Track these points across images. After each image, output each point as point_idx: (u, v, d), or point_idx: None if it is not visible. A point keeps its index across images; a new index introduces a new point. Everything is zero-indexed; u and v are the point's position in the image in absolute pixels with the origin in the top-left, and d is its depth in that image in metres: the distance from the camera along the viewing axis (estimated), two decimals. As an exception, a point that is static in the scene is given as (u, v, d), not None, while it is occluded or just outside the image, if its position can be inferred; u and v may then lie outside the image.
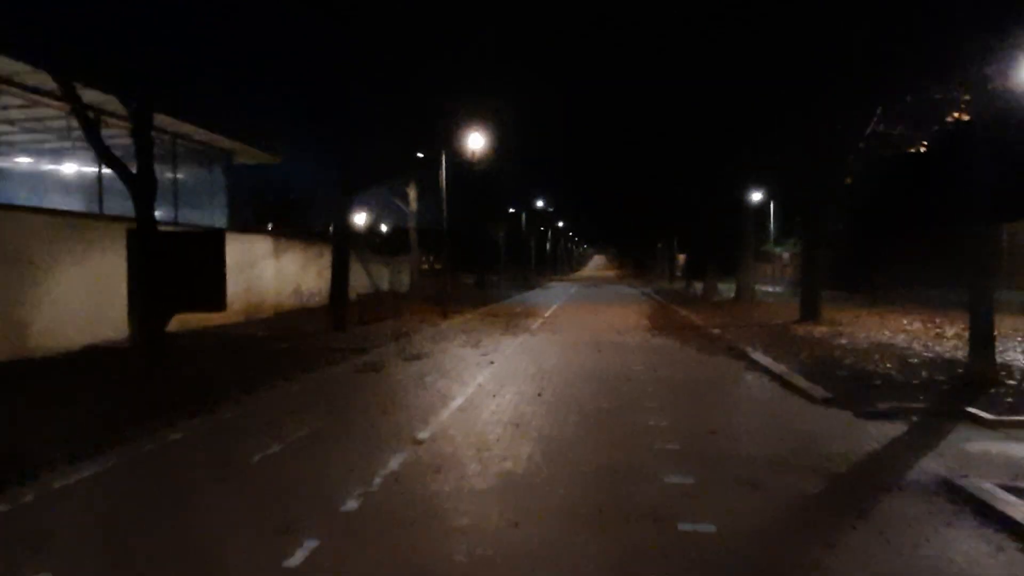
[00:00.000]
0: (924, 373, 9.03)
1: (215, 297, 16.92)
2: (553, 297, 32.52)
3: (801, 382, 8.58)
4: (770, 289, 34.63)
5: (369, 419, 7.20)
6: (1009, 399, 7.34)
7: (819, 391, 7.98)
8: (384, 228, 49.55)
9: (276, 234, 24.77)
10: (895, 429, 6.42)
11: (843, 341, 12.39)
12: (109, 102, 13.24)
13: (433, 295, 30.42)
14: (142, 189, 10.11)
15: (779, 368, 9.71)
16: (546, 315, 20.91)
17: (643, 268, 62.52)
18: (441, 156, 19.78)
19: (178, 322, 16.48)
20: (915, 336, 12.90)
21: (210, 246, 16.77)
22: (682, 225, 39.81)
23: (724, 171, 25.26)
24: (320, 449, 5.99)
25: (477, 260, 42.23)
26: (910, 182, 25.07)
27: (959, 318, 15.20)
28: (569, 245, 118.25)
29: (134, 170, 10.19)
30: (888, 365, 9.72)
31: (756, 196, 41.23)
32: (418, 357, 11.86)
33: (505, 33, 20.99)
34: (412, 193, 23.38)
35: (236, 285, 18.63)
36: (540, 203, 48.67)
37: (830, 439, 6.09)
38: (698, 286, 35.43)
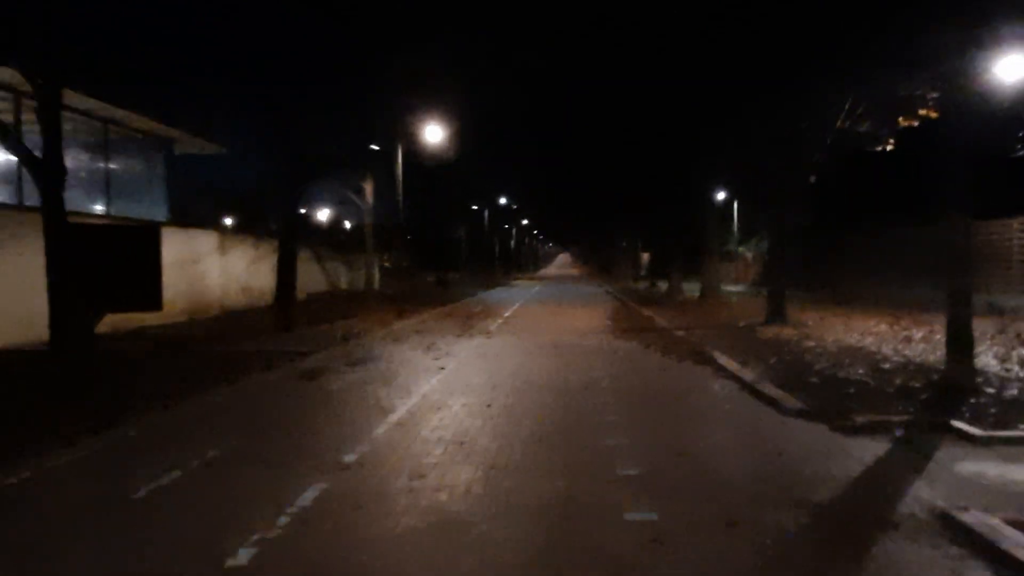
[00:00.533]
0: (898, 380, 8.50)
1: (150, 296, 15.76)
2: (515, 296, 31.81)
3: (772, 391, 7.97)
4: (734, 288, 34.46)
5: (293, 437, 6.35)
6: (993, 410, 6.81)
7: (792, 402, 7.37)
8: (348, 225, 48.26)
9: (224, 229, 23.57)
10: (877, 447, 5.81)
11: (811, 344, 11.89)
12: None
13: (392, 294, 29.46)
14: (49, 176, 9.04)
15: (748, 375, 9.11)
16: (506, 315, 20.17)
17: (607, 267, 62.25)
18: (396, 149, 18.89)
19: (111, 323, 15.36)
20: (883, 338, 12.48)
21: (144, 241, 15.60)
22: (646, 223, 39.47)
23: (688, 169, 24.94)
24: (226, 477, 5.12)
25: (439, 258, 41.35)
26: (874, 180, 24.98)
27: (924, 319, 14.92)
28: (534, 243, 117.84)
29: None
30: (860, 371, 9.19)
31: (720, 195, 41.31)
32: (364, 362, 10.99)
33: (464, 28, 20.23)
34: (368, 188, 22.45)
35: (177, 283, 17.48)
36: (503, 200, 47.90)
37: (808, 460, 5.44)
38: (662, 285, 35.09)
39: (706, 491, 4.71)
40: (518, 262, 79.82)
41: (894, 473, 5.13)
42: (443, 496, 4.60)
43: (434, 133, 19.19)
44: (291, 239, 15.90)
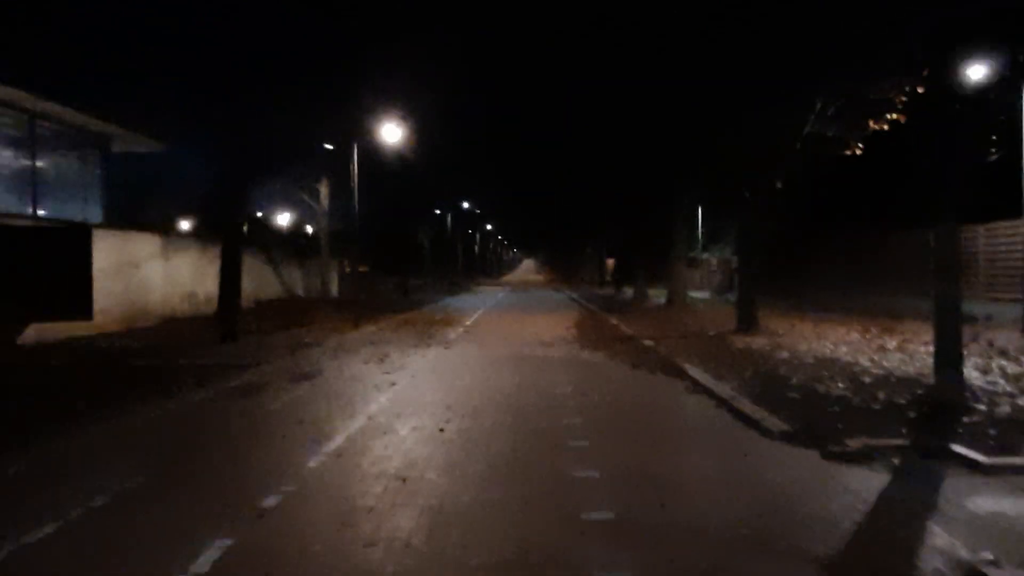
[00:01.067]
0: (882, 394, 7.93)
1: (79, 304, 14.58)
2: (478, 303, 30.99)
3: (752, 409, 7.31)
4: (699, 295, 34.17)
5: (209, 472, 5.45)
6: (991, 431, 6.25)
7: (775, 423, 6.71)
8: (311, 229, 46.66)
9: (169, 232, 22.27)
10: (877, 478, 5.16)
11: (785, 355, 11.33)
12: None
13: (351, 301, 28.39)
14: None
15: (724, 390, 8.46)
16: (467, 323, 19.35)
17: (572, 272, 61.82)
18: (353, 148, 17.97)
19: (38, 333, 14.11)
20: (857, 348, 12.00)
21: (73, 244, 14.42)
22: (611, 229, 39.03)
23: (654, 173, 24.51)
24: (113, 528, 4.21)
25: (401, 263, 40.28)
26: (843, 185, 24.78)
27: (896, 327, 14.56)
28: (498, 249, 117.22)
29: None
30: (840, 385, 8.62)
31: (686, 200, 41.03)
32: (309, 377, 10.07)
33: (427, 28, 19.47)
34: (324, 190, 21.38)
35: (113, 290, 16.27)
36: (466, 204, 47.05)
37: (803, 496, 4.76)
38: (628, 292, 34.65)
39: (690, 539, 3.98)
40: (483, 268, 78.96)
41: (902, 513, 4.46)
42: (376, 556, 3.77)
43: (392, 132, 18.31)
44: (235, 241, 14.84)
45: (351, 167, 18.18)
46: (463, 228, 57.37)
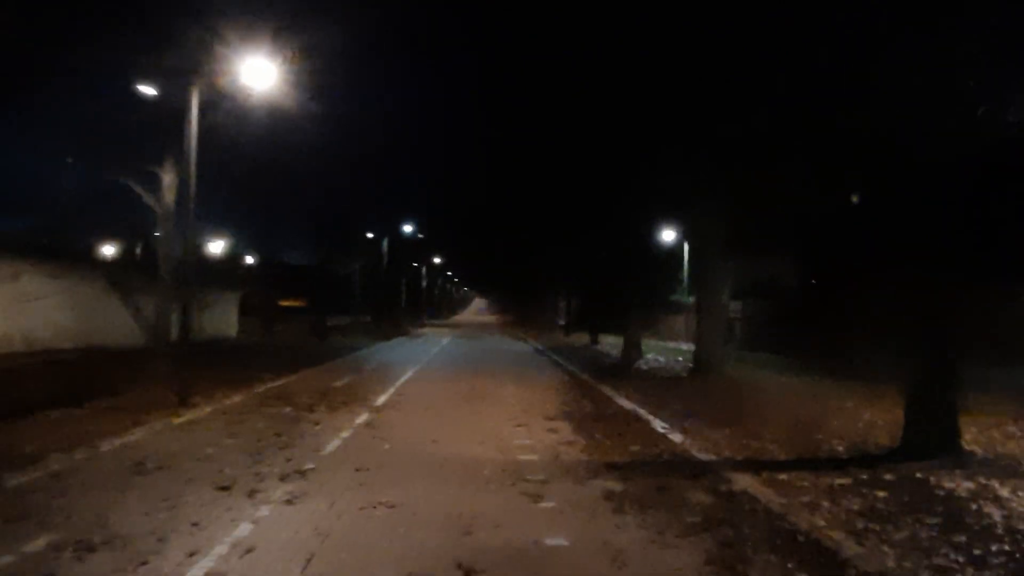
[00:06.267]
0: None
1: None
2: (413, 355, 23.09)
3: None
4: (685, 347, 27.16)
5: None
6: None
7: None
8: (219, 248, 37.84)
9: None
10: None
11: None
12: None
13: (222, 350, 20.31)
14: None
15: None
16: (379, 402, 11.48)
17: (528, 315, 54.25)
18: (191, 96, 10.41)
19: None
20: None
21: None
22: (582, 267, 31.92)
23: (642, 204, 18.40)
24: None
25: (321, 298, 32.28)
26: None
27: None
28: (448, 286, 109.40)
29: None
30: None
31: (668, 235, 34.45)
32: None
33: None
34: (167, 179, 13.59)
35: None
36: (408, 228, 39.23)
37: None
38: (610, 342, 27.41)
39: None
40: (430, 307, 70.95)
41: None
42: None
43: (263, 75, 10.68)
44: None
45: (186, 132, 10.55)
46: (407, 259, 49.50)
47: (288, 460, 7.01)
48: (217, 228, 35.97)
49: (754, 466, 6.87)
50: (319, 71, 13.97)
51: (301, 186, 26.43)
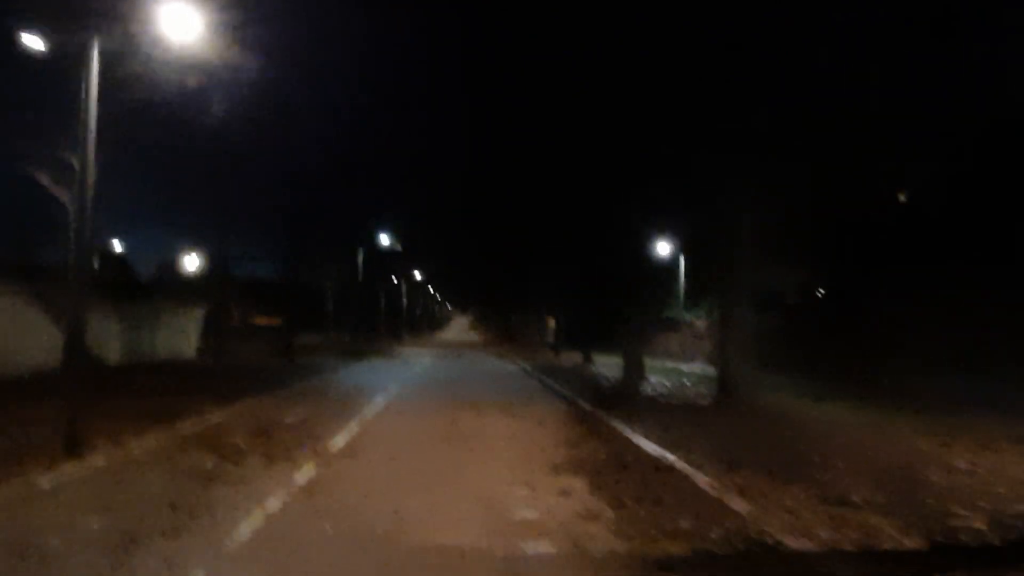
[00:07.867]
0: None
1: None
2: (388, 378, 20.57)
3: None
4: (687, 368, 24.98)
5: None
6: None
7: None
8: (195, 264, 34.93)
9: None
10: None
11: None
12: None
13: (181, 371, 17.83)
14: None
15: None
16: (334, 447, 8.96)
17: (514, 333, 51.73)
18: (91, 45, 8.16)
19: None
20: None
21: None
22: (572, 281, 29.69)
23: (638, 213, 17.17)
24: None
25: (292, 315, 29.74)
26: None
27: None
28: (431, 304, 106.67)
29: None
30: None
31: (664, 248, 32.64)
32: None
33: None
34: (78, 163, 11.19)
35: None
36: (386, 241, 36.73)
37: None
38: (604, 361, 25.13)
39: None
40: (410, 323, 68.20)
41: None
42: None
43: (182, 25, 8.34)
44: None
45: (86, 86, 8.26)
46: (385, 275, 46.94)
47: (166, 563, 4.54)
48: (191, 243, 33.38)
49: (883, 565, 4.51)
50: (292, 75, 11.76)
51: (272, 191, 24.17)
